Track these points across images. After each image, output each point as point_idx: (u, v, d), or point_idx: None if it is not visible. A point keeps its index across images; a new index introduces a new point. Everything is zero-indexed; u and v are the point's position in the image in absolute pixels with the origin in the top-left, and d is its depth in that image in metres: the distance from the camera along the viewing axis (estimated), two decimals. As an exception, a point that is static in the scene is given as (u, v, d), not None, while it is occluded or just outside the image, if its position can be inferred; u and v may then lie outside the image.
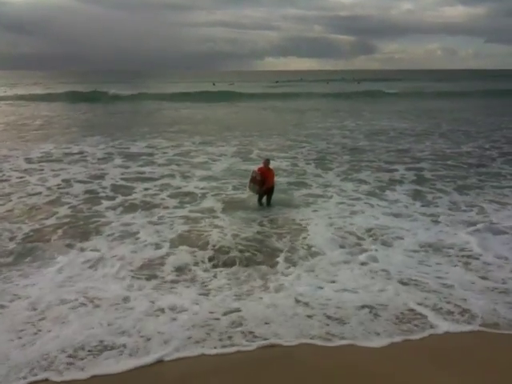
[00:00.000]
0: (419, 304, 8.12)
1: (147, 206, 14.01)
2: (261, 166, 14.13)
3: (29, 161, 20.28)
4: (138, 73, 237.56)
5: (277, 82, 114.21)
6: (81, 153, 22.23)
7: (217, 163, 20.03)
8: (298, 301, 8.27)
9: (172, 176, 17.68)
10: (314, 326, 7.46)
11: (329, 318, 7.71)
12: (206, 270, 9.66)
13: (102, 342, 7.07)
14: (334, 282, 9.12)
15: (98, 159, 20.86)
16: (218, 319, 7.68)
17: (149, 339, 7.14)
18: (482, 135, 28.13)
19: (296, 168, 19.21)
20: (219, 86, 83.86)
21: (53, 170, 18.47)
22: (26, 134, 28.44)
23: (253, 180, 13.80)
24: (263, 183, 13.67)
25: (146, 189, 15.89)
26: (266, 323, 7.54)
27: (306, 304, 8.16)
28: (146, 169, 18.83)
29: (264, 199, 14.01)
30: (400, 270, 9.55)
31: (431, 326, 7.43)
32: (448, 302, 8.18)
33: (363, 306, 8.06)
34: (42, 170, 18.64)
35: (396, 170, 18.63)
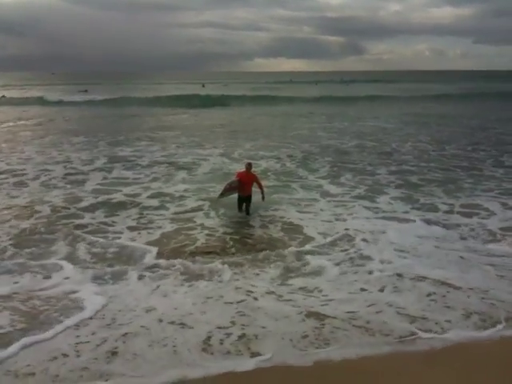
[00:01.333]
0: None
1: (130, 207, 13.94)
2: (242, 169, 13.34)
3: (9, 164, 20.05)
4: (126, 74, 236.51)
5: (265, 82, 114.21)
6: (66, 158, 21.88)
7: (203, 165, 19.87)
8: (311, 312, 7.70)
9: (156, 179, 17.47)
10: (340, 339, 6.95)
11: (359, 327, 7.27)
12: (198, 270, 9.36)
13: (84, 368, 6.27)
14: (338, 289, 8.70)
15: (82, 161, 20.59)
16: (219, 334, 7.05)
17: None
18: (469, 136, 28.21)
19: (283, 168, 19.22)
20: (209, 88, 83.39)
21: (35, 171, 18.36)
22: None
23: (227, 189, 12.93)
24: (242, 189, 12.86)
25: (131, 191, 15.71)
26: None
27: (322, 316, 7.59)
28: (129, 173, 18.47)
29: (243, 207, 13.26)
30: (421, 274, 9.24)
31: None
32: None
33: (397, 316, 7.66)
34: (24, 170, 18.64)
35: (382, 173, 18.43)
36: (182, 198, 14.83)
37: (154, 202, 14.33)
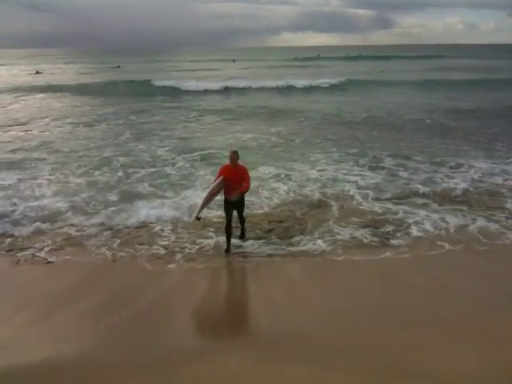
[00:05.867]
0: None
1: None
2: (227, 163, 9.45)
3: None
4: (153, 51, 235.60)
5: (295, 58, 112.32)
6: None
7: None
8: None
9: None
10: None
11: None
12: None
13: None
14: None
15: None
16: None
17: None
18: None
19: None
20: (240, 64, 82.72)
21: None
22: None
23: (207, 200, 9.35)
24: (229, 189, 9.24)
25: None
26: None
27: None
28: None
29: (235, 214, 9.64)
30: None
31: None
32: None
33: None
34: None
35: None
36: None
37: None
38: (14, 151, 18.14)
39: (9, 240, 10.09)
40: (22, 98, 36.94)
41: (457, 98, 33.66)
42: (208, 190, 9.23)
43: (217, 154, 17.10)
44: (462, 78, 45.00)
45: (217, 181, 9.13)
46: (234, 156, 9.11)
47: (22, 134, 21.92)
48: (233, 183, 9.09)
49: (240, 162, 9.36)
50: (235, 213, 9.58)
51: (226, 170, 9.21)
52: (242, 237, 9.92)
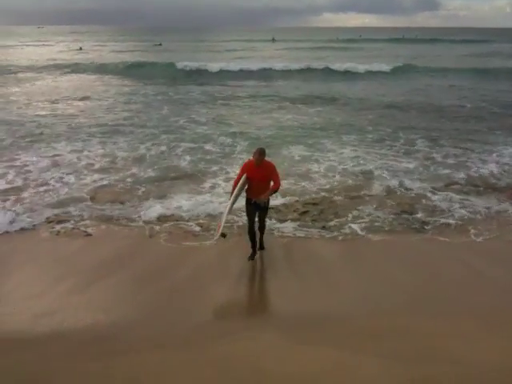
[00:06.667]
0: None
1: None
2: (251, 159, 8.22)
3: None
4: (192, 29, 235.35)
5: (336, 38, 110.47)
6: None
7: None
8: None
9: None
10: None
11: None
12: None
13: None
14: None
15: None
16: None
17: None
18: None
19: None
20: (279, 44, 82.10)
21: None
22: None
23: (234, 201, 8.30)
24: (252, 189, 8.14)
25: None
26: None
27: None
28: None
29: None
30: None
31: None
32: None
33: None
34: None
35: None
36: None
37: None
38: (61, 125, 18.66)
39: (49, 212, 10.40)
40: (65, 73, 37.82)
41: (502, 85, 32.57)
42: (231, 198, 8.15)
43: (256, 133, 17.77)
44: (510, 65, 43.23)
45: (241, 181, 8.05)
46: (261, 157, 7.85)
47: (67, 108, 22.61)
48: (257, 182, 7.96)
49: (267, 158, 8.13)
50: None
51: (250, 167, 8.02)
52: (261, 248, 8.78)
